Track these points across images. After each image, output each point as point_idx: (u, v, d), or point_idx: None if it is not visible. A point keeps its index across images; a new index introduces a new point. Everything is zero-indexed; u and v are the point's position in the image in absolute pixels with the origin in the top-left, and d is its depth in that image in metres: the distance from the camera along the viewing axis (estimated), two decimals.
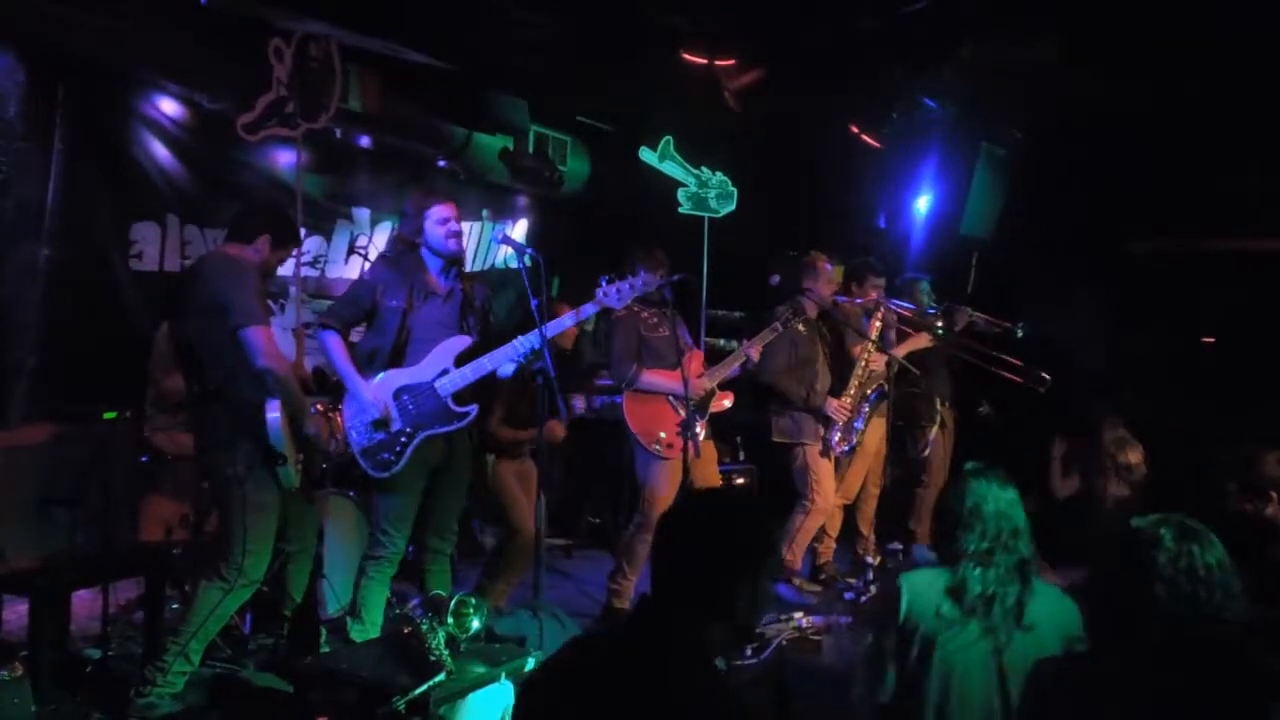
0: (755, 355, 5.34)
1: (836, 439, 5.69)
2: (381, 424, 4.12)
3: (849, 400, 5.72)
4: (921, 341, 6.01)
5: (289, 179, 6.07)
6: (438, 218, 4.18)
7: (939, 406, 6.36)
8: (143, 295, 5.54)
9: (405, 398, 4.15)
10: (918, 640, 2.70)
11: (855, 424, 5.76)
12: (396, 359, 4.18)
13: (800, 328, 5.63)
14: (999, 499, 2.77)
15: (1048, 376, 5.80)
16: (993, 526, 2.73)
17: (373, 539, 4.33)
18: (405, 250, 4.26)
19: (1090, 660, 2.23)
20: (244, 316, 3.72)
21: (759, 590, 2.00)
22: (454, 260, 4.28)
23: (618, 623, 2.07)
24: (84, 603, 4.52)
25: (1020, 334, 6.09)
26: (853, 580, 5.74)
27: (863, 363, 5.79)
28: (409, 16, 5.66)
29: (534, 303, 4.01)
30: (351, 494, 4.99)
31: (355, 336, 4.53)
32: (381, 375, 4.15)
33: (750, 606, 2.00)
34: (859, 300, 5.93)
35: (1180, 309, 7.55)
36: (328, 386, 4.89)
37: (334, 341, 4.16)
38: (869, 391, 5.81)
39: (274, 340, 3.81)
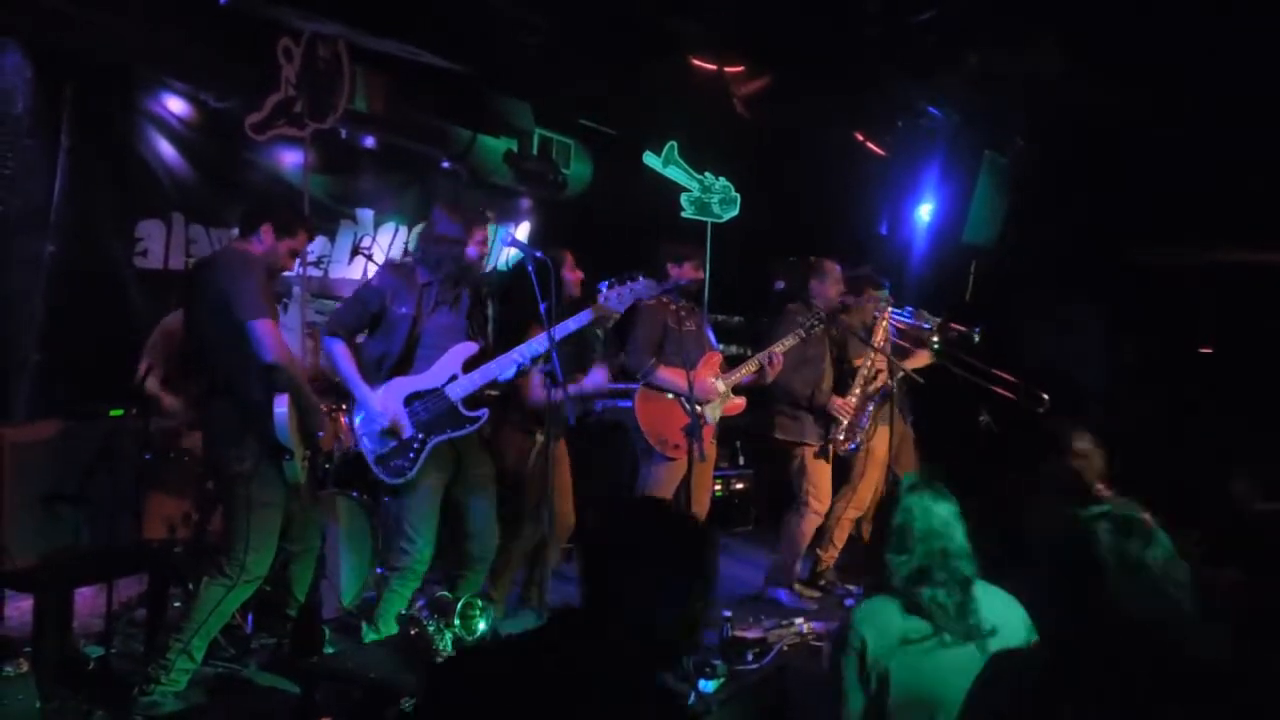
0: (778, 360, 5.32)
1: (841, 438, 5.68)
2: (392, 432, 4.12)
3: (853, 399, 5.70)
4: (923, 359, 6.00)
5: (294, 178, 6.08)
6: (479, 239, 4.27)
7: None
8: (147, 293, 5.54)
9: (416, 404, 4.16)
10: (876, 671, 2.52)
11: (860, 423, 5.74)
12: (404, 365, 4.20)
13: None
14: (930, 516, 2.60)
15: (1046, 396, 5.76)
16: (921, 549, 2.57)
17: (394, 549, 4.32)
18: (448, 249, 4.23)
19: (1040, 657, 2.11)
20: (250, 310, 3.73)
21: (687, 611, 1.90)
22: (467, 269, 4.31)
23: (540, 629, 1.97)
24: (85, 600, 4.51)
25: (977, 339, 6.05)
26: (852, 586, 5.75)
27: (868, 362, 5.78)
28: (415, 18, 5.67)
29: (543, 306, 4.01)
30: (355, 494, 4.99)
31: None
32: (386, 383, 4.17)
33: (677, 626, 1.90)
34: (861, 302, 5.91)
35: (1181, 318, 7.59)
36: (331, 387, 4.89)
37: (339, 350, 4.17)
38: (873, 390, 5.79)
39: (281, 335, 3.82)
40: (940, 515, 2.61)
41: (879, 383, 5.80)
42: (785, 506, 5.86)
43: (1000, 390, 5.87)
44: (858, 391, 5.74)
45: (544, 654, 1.88)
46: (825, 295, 5.69)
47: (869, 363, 5.79)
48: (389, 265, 4.39)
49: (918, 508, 2.61)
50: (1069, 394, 7.60)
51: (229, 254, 4.00)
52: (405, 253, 6.97)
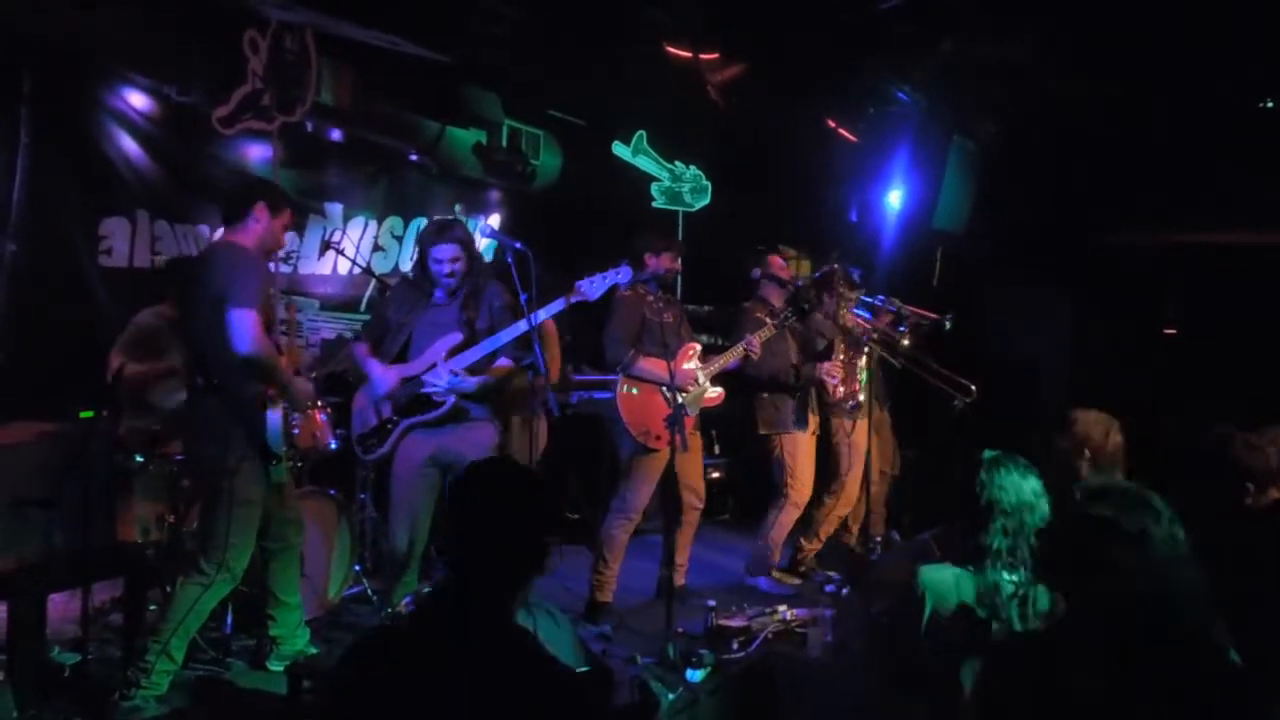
0: (756, 349, 5.31)
1: (841, 393, 5.80)
2: (378, 405, 4.41)
3: (840, 360, 5.80)
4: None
5: (261, 173, 5.97)
6: (436, 257, 4.38)
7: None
8: (113, 292, 5.42)
9: (400, 389, 4.39)
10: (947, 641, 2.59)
11: (853, 375, 5.85)
12: (402, 359, 4.45)
13: (768, 318, 5.63)
14: (1020, 490, 2.64)
15: (973, 388, 5.77)
16: (1014, 521, 2.60)
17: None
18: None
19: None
20: (238, 300, 3.70)
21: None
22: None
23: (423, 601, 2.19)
24: (55, 606, 4.41)
25: (949, 326, 6.06)
26: (832, 573, 5.77)
27: (843, 322, 5.87)
28: (383, 8, 5.59)
29: (523, 297, 4.02)
30: (333, 492, 4.94)
31: None
32: (391, 368, 4.47)
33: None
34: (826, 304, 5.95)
35: (1146, 302, 7.69)
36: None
37: (359, 348, 4.59)
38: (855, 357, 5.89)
39: (260, 327, 3.77)
40: (1029, 488, 2.66)
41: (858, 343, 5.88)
42: (767, 497, 5.89)
43: (934, 381, 5.86)
44: (842, 355, 5.82)
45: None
46: (770, 293, 5.84)
47: (843, 319, 5.87)
48: (400, 279, 4.89)
49: (1005, 481, 2.64)
50: (1034, 378, 7.72)
51: (224, 248, 3.96)
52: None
